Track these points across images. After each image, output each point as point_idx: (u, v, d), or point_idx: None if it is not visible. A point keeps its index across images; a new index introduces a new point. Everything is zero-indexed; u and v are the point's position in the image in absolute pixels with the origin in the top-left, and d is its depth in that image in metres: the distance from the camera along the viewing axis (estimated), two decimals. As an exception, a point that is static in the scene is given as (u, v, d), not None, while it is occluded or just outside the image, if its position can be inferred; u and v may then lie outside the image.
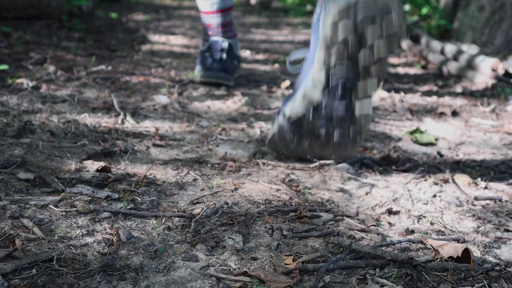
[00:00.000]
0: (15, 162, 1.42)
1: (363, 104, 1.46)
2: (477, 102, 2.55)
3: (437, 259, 1.12)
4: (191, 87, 2.52)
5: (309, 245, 1.17)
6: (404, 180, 1.57)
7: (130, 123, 1.90)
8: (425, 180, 1.58)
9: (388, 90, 2.74)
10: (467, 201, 1.45)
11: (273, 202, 1.36)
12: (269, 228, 1.22)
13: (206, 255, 1.09)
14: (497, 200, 1.46)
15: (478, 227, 1.30)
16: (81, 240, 1.11)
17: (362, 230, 1.25)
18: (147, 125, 1.90)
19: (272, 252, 1.12)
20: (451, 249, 1.12)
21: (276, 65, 3.26)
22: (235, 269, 1.05)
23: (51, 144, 1.62)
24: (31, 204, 1.23)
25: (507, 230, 1.29)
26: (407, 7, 5.30)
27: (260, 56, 3.57)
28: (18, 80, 2.21)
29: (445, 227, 1.29)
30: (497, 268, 1.10)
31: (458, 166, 1.70)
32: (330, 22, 1.37)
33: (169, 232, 1.17)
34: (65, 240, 1.10)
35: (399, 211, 1.36)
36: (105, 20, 4.45)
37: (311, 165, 1.60)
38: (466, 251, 1.09)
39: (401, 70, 3.35)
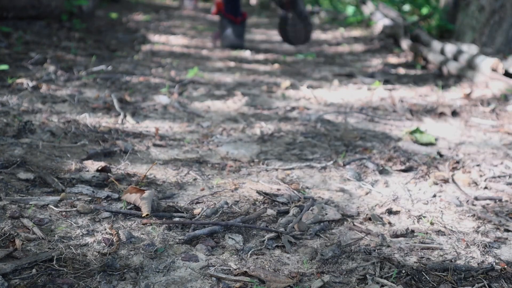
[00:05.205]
0: (15, 162, 1.42)
1: None
2: (477, 102, 2.55)
3: (437, 259, 1.12)
4: (191, 87, 2.52)
5: (309, 245, 1.17)
6: (404, 180, 1.57)
7: (130, 123, 1.90)
8: (425, 180, 1.57)
9: (388, 90, 2.73)
10: (467, 201, 1.45)
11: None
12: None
13: (206, 255, 1.09)
14: (497, 200, 1.46)
15: (478, 227, 1.30)
16: (81, 240, 1.11)
17: (362, 230, 1.25)
18: (147, 125, 1.89)
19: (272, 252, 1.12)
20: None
21: (276, 65, 3.26)
22: (235, 269, 1.05)
23: (51, 144, 1.62)
24: (31, 204, 1.23)
25: (507, 230, 1.29)
26: (407, 7, 5.29)
27: (260, 56, 3.57)
28: (18, 80, 2.21)
29: (445, 227, 1.29)
30: (497, 268, 1.10)
31: (458, 166, 1.70)
32: None
33: (169, 232, 1.17)
34: (65, 240, 1.10)
35: (399, 211, 1.36)
36: (105, 20, 4.45)
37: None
38: None
39: (401, 70, 3.35)
